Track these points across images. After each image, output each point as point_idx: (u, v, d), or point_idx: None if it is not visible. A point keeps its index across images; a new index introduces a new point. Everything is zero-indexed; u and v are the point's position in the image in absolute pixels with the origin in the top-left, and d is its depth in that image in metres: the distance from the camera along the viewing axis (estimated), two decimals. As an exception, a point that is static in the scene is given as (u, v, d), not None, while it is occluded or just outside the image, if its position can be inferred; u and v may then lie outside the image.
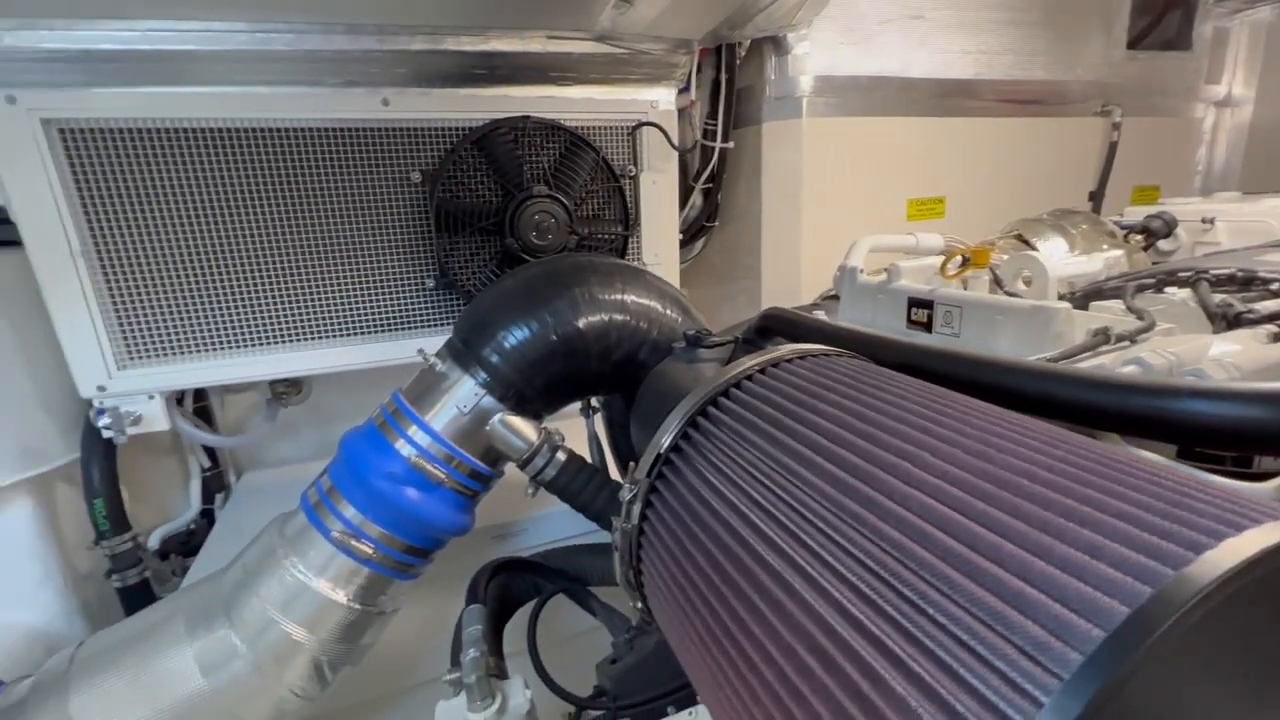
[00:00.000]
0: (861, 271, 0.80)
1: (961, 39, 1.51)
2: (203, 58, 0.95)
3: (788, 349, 0.52)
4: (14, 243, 0.95)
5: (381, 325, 1.16)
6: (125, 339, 1.02)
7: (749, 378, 0.48)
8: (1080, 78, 1.71)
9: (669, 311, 0.88)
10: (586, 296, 0.83)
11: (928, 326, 0.68)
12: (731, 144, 1.42)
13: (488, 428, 0.83)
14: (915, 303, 0.70)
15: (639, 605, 0.51)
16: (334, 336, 1.13)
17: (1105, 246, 1.12)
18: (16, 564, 1.09)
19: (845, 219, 1.51)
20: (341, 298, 1.12)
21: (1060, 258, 1.06)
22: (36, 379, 1.08)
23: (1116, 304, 0.66)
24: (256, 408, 1.47)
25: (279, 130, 1.02)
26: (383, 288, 1.14)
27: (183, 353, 1.05)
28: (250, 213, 1.03)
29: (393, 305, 1.16)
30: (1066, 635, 0.22)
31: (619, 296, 0.85)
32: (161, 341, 1.04)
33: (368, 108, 1.05)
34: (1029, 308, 0.60)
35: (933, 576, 0.28)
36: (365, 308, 1.14)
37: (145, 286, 1.01)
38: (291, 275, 1.08)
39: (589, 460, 0.89)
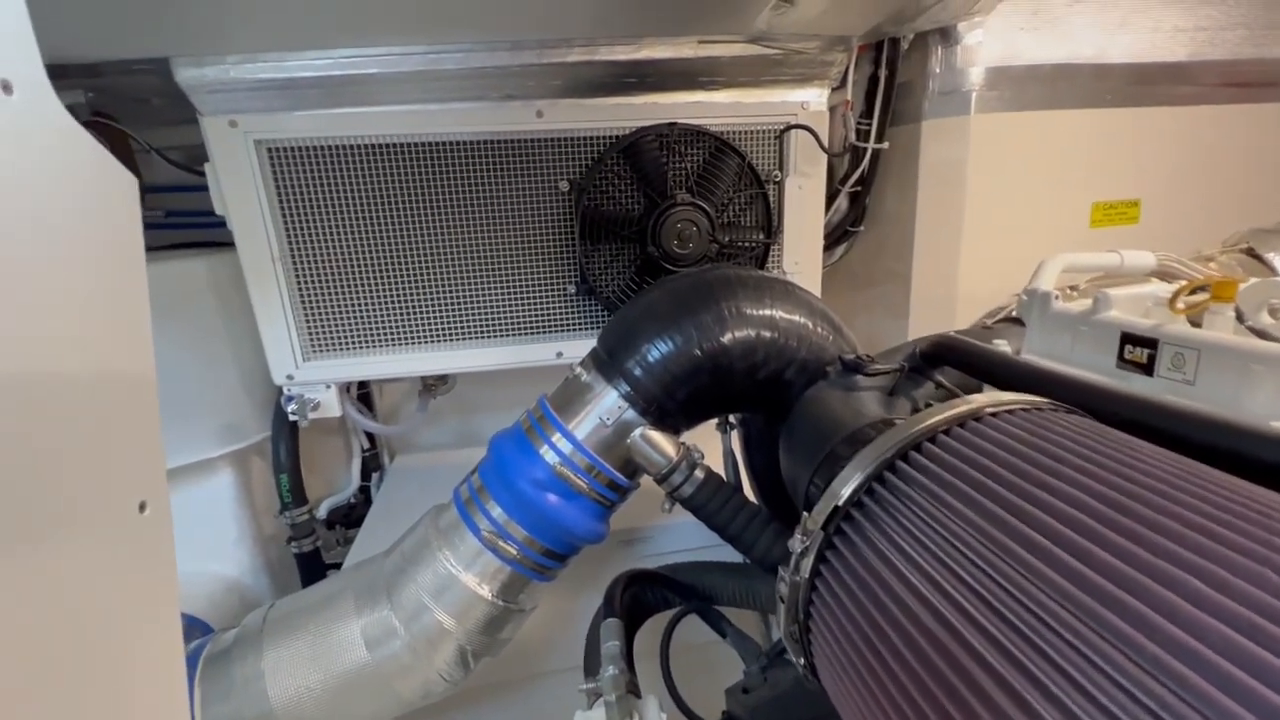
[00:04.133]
0: (1056, 296, 0.70)
1: (1175, 15, 1.29)
2: (383, 79, 1.03)
3: (988, 399, 0.46)
4: (230, 244, 1.10)
5: (525, 328, 1.21)
6: (310, 334, 1.14)
7: (945, 431, 0.43)
8: (1335, 52, 1.40)
9: (819, 329, 0.83)
10: (733, 311, 0.80)
11: (1147, 369, 0.58)
12: (886, 144, 1.32)
13: (628, 441, 0.83)
14: (1131, 339, 0.59)
15: (803, 663, 0.48)
16: (483, 337, 1.19)
17: (1374, 265, 0.91)
18: (221, 524, 1.27)
19: (1014, 224, 1.35)
20: (491, 302, 1.18)
21: (1311, 280, 0.87)
22: (240, 364, 1.24)
23: None
24: (408, 395, 1.60)
25: (443, 144, 1.09)
26: (528, 293, 1.19)
27: (355, 348, 1.16)
28: (415, 222, 1.11)
29: (536, 310, 1.20)
30: None
31: (767, 312, 0.81)
32: (339, 338, 1.15)
33: (523, 119, 1.09)
34: (1301, 357, 0.49)
35: (1249, 739, 0.22)
36: (512, 311, 1.19)
37: (327, 288, 1.12)
38: (449, 280, 1.15)
39: (724, 477, 0.87)
